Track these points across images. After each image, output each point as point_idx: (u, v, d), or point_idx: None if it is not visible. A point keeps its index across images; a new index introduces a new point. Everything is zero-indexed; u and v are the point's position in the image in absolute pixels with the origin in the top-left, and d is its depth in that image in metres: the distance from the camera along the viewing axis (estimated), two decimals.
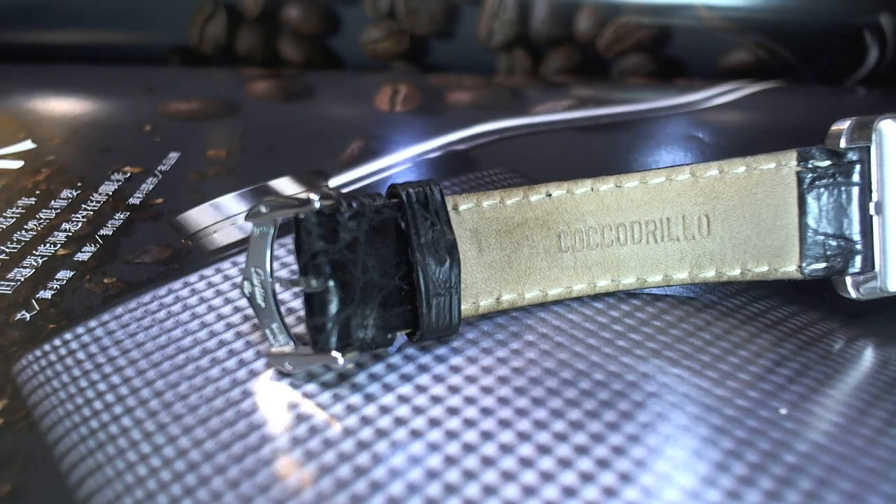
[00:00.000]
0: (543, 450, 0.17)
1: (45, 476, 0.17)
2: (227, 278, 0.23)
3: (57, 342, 0.21)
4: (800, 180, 0.20)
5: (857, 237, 0.20)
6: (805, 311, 0.22)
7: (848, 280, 0.20)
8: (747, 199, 0.20)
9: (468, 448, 0.17)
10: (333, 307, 0.18)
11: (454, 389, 0.19)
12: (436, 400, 0.19)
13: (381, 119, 0.34)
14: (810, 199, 0.20)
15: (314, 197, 0.18)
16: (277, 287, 0.19)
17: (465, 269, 0.20)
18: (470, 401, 0.19)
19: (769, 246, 0.21)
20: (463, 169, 0.30)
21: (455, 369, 0.20)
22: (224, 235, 0.25)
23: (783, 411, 0.18)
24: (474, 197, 0.20)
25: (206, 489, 0.17)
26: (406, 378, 0.19)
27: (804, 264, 0.20)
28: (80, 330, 0.21)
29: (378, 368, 0.20)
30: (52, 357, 0.20)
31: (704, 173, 0.21)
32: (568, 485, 0.16)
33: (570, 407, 0.18)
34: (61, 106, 0.35)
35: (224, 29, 0.38)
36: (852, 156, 0.20)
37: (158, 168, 0.30)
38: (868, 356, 0.20)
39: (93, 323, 0.21)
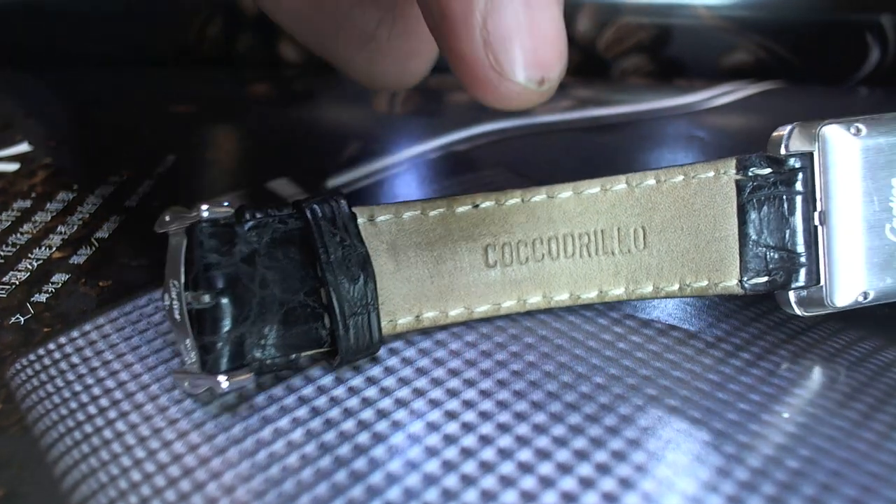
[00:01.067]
0: (543, 454, 0.17)
1: (39, 481, 0.17)
2: None
3: (51, 346, 0.21)
4: (739, 189, 0.19)
5: (800, 249, 0.19)
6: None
7: (791, 295, 0.20)
8: (685, 209, 0.20)
9: (467, 452, 0.17)
10: (226, 324, 0.17)
11: (452, 392, 0.19)
12: (434, 403, 0.18)
13: (380, 120, 0.33)
14: (750, 210, 0.19)
15: (204, 207, 0.17)
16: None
17: (380, 285, 0.19)
18: (468, 404, 0.18)
19: (708, 259, 0.20)
20: (463, 169, 0.29)
21: (454, 372, 0.19)
22: None
23: (786, 415, 0.18)
24: (393, 207, 0.19)
25: (200, 494, 0.16)
26: (404, 381, 0.19)
27: (745, 278, 0.20)
28: (74, 333, 0.21)
29: (376, 371, 0.19)
30: (47, 361, 0.20)
31: (641, 183, 0.20)
32: (568, 490, 0.16)
33: (570, 410, 0.18)
34: (58, 108, 0.35)
35: (222, 30, 0.38)
36: (794, 163, 0.19)
37: (156, 171, 0.29)
38: (871, 359, 0.20)
39: (88, 326, 0.21)
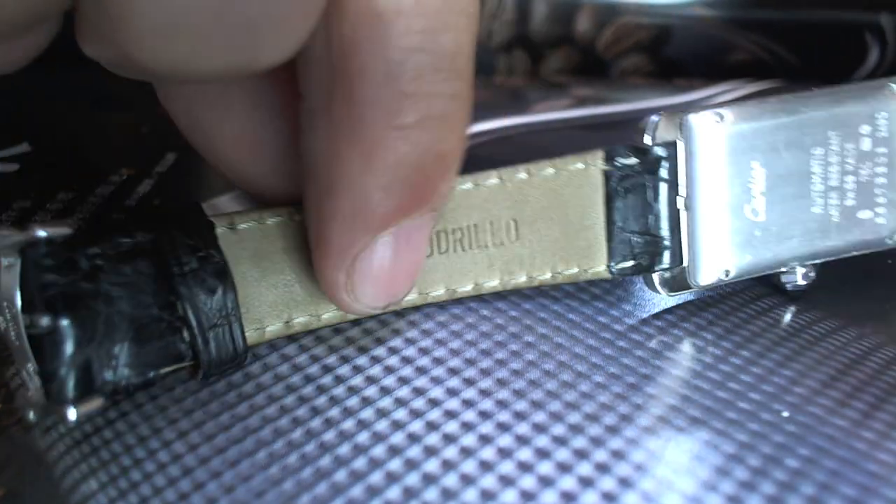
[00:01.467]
0: (542, 454, 0.17)
1: (39, 480, 0.17)
2: None
3: None
4: (607, 179, 0.20)
5: (664, 234, 0.20)
6: (807, 309, 0.21)
7: (655, 277, 0.21)
8: (555, 201, 0.20)
9: (466, 452, 0.17)
10: (68, 348, 0.16)
11: (452, 392, 0.19)
12: (434, 403, 0.18)
13: None
14: (617, 198, 0.20)
15: (38, 227, 0.16)
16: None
17: (245, 292, 0.18)
18: (468, 404, 0.18)
19: (578, 247, 0.20)
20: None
21: (454, 371, 0.19)
22: None
23: (785, 414, 0.18)
24: (256, 213, 0.18)
25: (200, 494, 0.16)
26: (404, 381, 0.19)
27: (612, 263, 0.20)
28: None
29: (375, 370, 0.19)
30: None
31: (513, 177, 0.20)
32: (567, 490, 0.16)
33: (569, 410, 0.18)
34: (58, 108, 0.35)
35: None
36: (659, 152, 0.20)
37: (155, 170, 0.29)
38: (872, 357, 0.20)
39: None
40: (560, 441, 0.17)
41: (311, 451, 0.17)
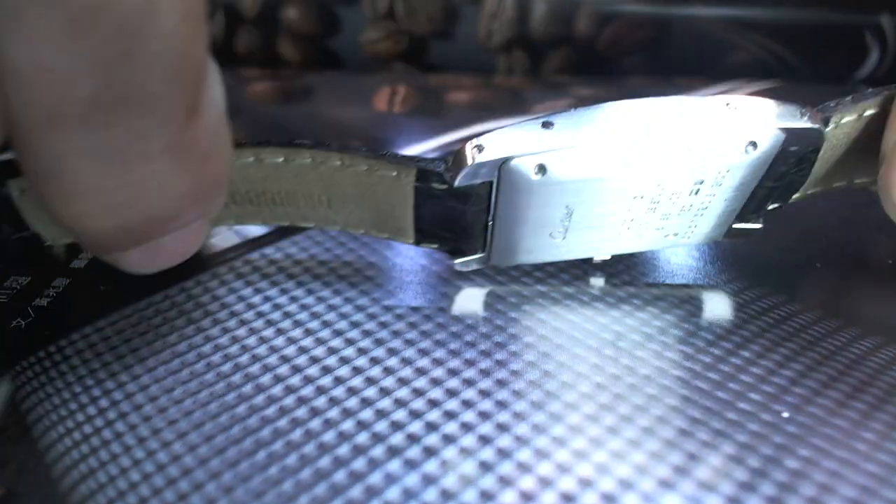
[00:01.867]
0: (542, 454, 0.17)
1: (38, 481, 0.17)
2: (223, 283, 0.23)
3: (52, 349, 0.21)
4: (417, 193, 0.20)
5: (469, 238, 0.21)
6: (808, 309, 0.21)
7: (456, 260, 0.22)
8: (367, 191, 0.20)
9: (466, 452, 0.17)
10: None
11: (452, 392, 0.19)
12: (433, 403, 0.18)
13: (379, 119, 0.33)
14: (425, 212, 0.20)
15: None
16: None
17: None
18: (468, 404, 0.18)
19: (389, 225, 0.21)
20: None
21: (453, 372, 0.19)
22: (222, 240, 0.25)
23: (785, 414, 0.18)
24: None
25: (199, 494, 0.16)
26: (404, 381, 0.19)
27: (420, 243, 0.21)
28: (75, 336, 0.21)
29: (375, 371, 0.19)
30: (47, 363, 0.20)
31: (325, 161, 0.20)
32: (567, 491, 0.16)
33: (569, 410, 0.18)
34: None
35: (222, 29, 0.38)
36: (472, 187, 0.19)
37: None
38: (872, 357, 0.20)
39: (88, 329, 0.21)
40: (559, 442, 0.17)
41: (311, 452, 0.17)
